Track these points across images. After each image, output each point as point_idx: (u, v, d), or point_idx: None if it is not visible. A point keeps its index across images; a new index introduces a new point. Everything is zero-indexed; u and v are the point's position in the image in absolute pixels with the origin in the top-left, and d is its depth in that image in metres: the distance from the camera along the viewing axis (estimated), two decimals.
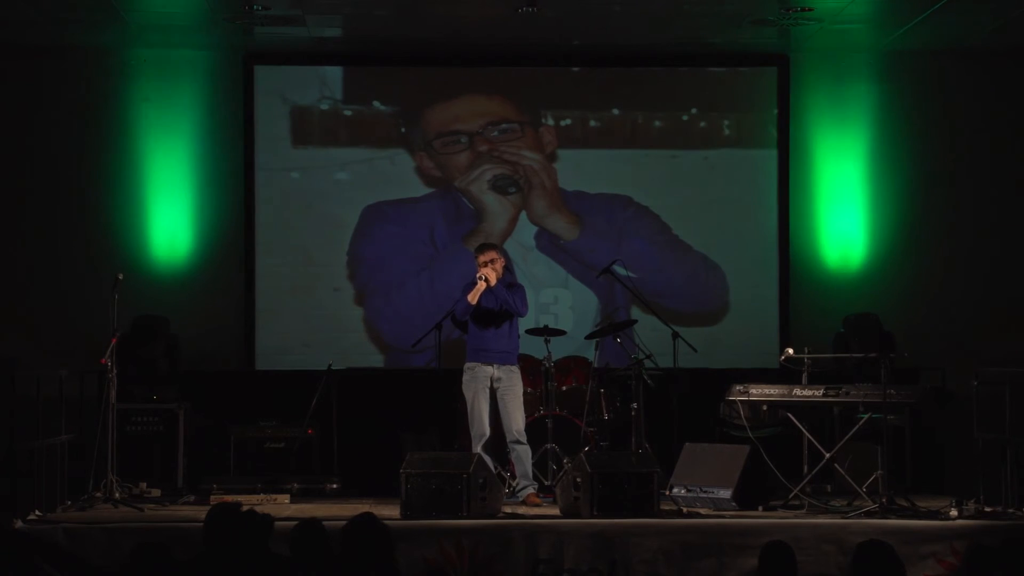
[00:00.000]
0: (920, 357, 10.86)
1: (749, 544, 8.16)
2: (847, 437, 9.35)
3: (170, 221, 12.00)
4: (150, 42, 11.74)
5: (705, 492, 9.36)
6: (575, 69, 12.33)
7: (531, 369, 10.56)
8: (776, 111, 12.23)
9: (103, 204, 11.93)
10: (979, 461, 9.32)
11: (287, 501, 9.79)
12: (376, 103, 12.26)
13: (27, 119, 11.95)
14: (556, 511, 9.07)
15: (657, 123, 12.28)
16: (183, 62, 11.98)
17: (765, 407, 9.78)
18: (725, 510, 9.18)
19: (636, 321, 11.16)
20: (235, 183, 12.08)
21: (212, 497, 9.64)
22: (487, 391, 9.71)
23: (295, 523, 6.46)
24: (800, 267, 12.19)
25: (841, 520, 8.63)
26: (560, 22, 11.18)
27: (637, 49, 12.02)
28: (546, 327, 10.81)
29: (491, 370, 9.73)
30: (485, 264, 9.78)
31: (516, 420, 9.69)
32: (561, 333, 11.02)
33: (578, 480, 8.80)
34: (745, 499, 9.25)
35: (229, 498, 9.21)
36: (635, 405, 10.37)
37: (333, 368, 10.94)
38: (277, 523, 6.55)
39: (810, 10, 10.83)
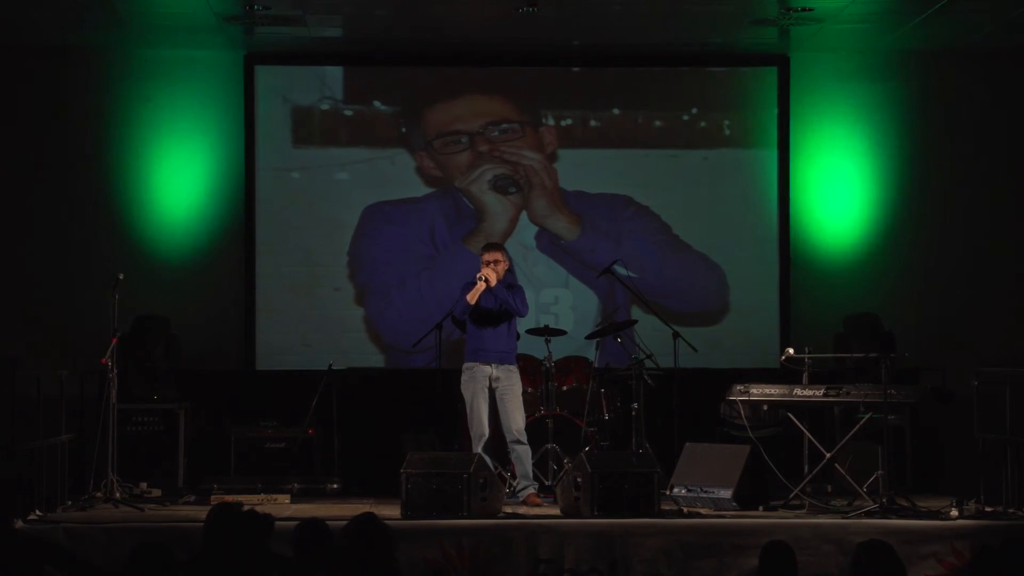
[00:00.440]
0: (920, 357, 10.86)
1: (749, 544, 8.16)
2: (848, 437, 9.35)
3: (170, 221, 12.00)
4: (151, 42, 11.74)
5: (705, 492, 9.36)
6: (575, 69, 12.33)
7: (531, 369, 10.57)
8: (776, 111, 12.23)
9: (103, 204, 11.93)
10: (980, 461, 9.31)
11: (287, 501, 9.80)
12: (377, 103, 12.26)
13: (27, 119, 11.95)
14: (556, 511, 9.08)
15: (657, 123, 12.28)
16: (184, 62, 11.97)
17: (765, 407, 9.77)
18: (725, 510, 9.18)
19: (636, 321, 11.16)
20: (235, 183, 12.08)
21: (212, 497, 9.64)
22: (486, 391, 9.71)
23: (297, 523, 6.46)
24: (800, 267, 12.19)
25: (841, 520, 8.63)
26: (560, 22, 11.18)
27: (637, 49, 12.02)
28: (546, 327, 10.81)
29: (490, 370, 9.73)
30: (488, 264, 9.78)
31: (515, 420, 9.69)
32: (562, 333, 11.02)
33: (578, 480, 8.80)
34: (745, 499, 9.25)
35: (230, 498, 9.21)
36: (635, 405, 10.37)
37: (333, 368, 10.95)
38: (277, 523, 6.55)
39: (810, 10, 10.83)
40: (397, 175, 12.19)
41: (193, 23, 11.28)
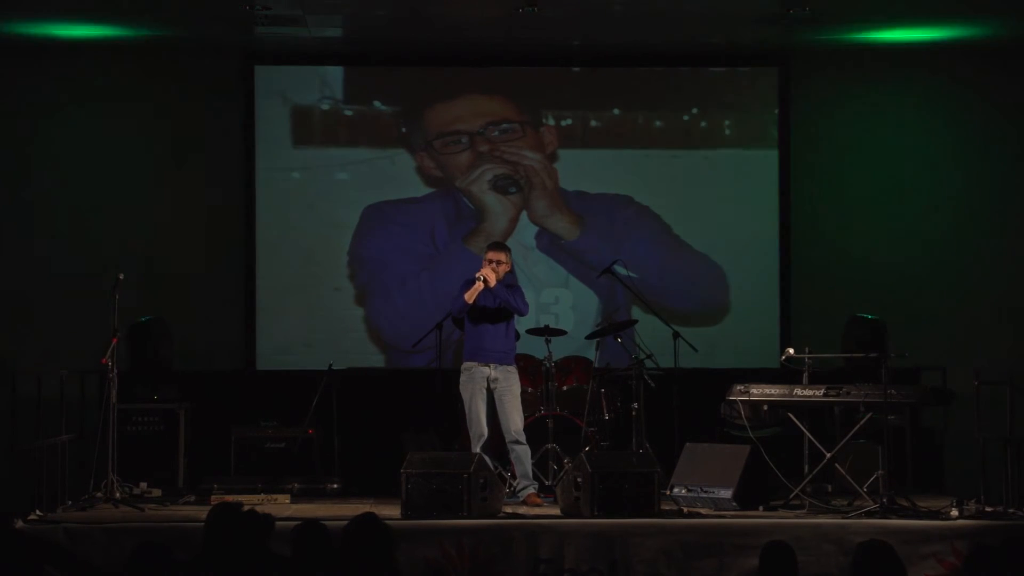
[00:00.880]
0: (920, 357, 10.85)
1: (750, 544, 8.16)
2: (848, 437, 9.35)
3: (171, 221, 12.00)
4: (151, 42, 11.73)
5: (706, 492, 9.35)
6: (575, 69, 12.33)
7: (532, 369, 10.57)
8: (777, 111, 12.23)
9: (103, 204, 11.93)
10: (980, 461, 9.31)
11: (288, 501, 9.79)
12: (377, 103, 12.27)
13: (27, 119, 11.95)
14: (557, 511, 9.07)
15: (658, 123, 12.29)
16: (183, 62, 11.97)
17: (766, 407, 9.77)
18: (726, 510, 9.18)
19: (637, 321, 11.16)
20: (235, 183, 12.09)
21: (213, 497, 9.64)
22: (484, 391, 9.71)
23: (296, 523, 6.45)
24: (801, 267, 12.19)
25: (842, 520, 8.63)
26: (560, 22, 11.18)
27: (637, 49, 12.02)
28: (547, 327, 10.81)
29: (488, 370, 9.72)
30: (491, 262, 9.76)
31: (514, 420, 9.68)
32: (562, 333, 11.02)
33: (579, 480, 8.80)
34: (746, 499, 9.25)
35: (230, 498, 9.20)
36: (636, 405, 10.37)
37: (334, 368, 10.94)
38: (278, 523, 6.55)
39: (811, 10, 10.81)
40: (397, 175, 12.20)
41: (193, 23, 11.28)
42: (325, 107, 12.22)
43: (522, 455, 9.69)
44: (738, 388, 9.56)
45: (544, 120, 12.27)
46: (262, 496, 9.72)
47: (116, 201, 11.94)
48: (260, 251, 12.07)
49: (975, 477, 9.25)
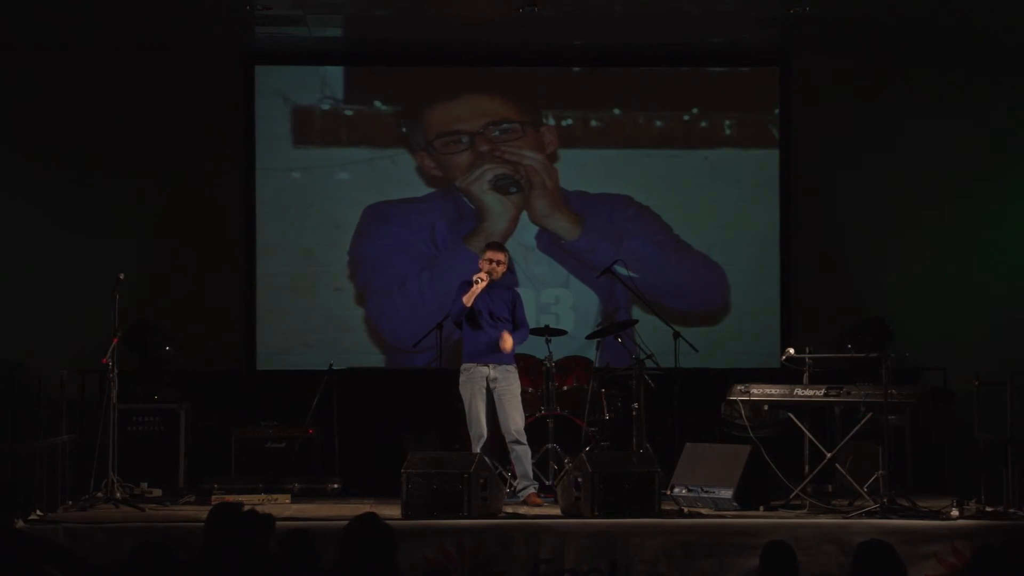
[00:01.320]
0: (920, 357, 10.86)
1: (750, 544, 8.16)
2: (848, 437, 9.34)
3: (170, 221, 12.00)
4: (151, 42, 11.73)
5: (706, 492, 9.35)
6: (576, 69, 12.34)
7: (532, 369, 10.57)
8: (778, 111, 12.24)
9: (103, 203, 11.92)
10: (980, 461, 9.31)
11: (288, 501, 9.79)
12: (377, 103, 12.27)
13: (26, 118, 11.94)
14: (557, 511, 9.07)
15: (658, 123, 12.29)
16: (184, 62, 11.97)
17: (766, 407, 9.75)
18: (726, 510, 9.18)
19: (637, 321, 11.16)
20: (235, 183, 12.09)
21: (213, 497, 9.63)
22: (484, 392, 9.70)
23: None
24: (801, 267, 12.19)
25: (842, 520, 8.63)
26: (560, 22, 11.18)
27: (638, 49, 12.03)
28: (547, 327, 10.80)
29: (487, 371, 9.71)
30: (491, 262, 9.76)
31: (514, 420, 9.68)
32: (562, 333, 11.02)
33: (579, 480, 8.80)
34: (746, 499, 9.25)
35: (230, 498, 9.20)
36: (636, 405, 10.37)
37: (334, 368, 10.94)
38: (278, 523, 6.55)
39: (811, 10, 10.81)
40: (398, 175, 12.20)
41: (193, 22, 11.28)
42: (325, 107, 12.22)
43: (522, 455, 9.69)
44: (738, 388, 9.56)
45: (544, 120, 12.28)
46: (262, 496, 9.72)
47: (116, 201, 11.93)
48: (260, 251, 12.07)
49: (975, 477, 9.25)
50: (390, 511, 8.65)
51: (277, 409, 11.10)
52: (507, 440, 9.71)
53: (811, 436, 9.46)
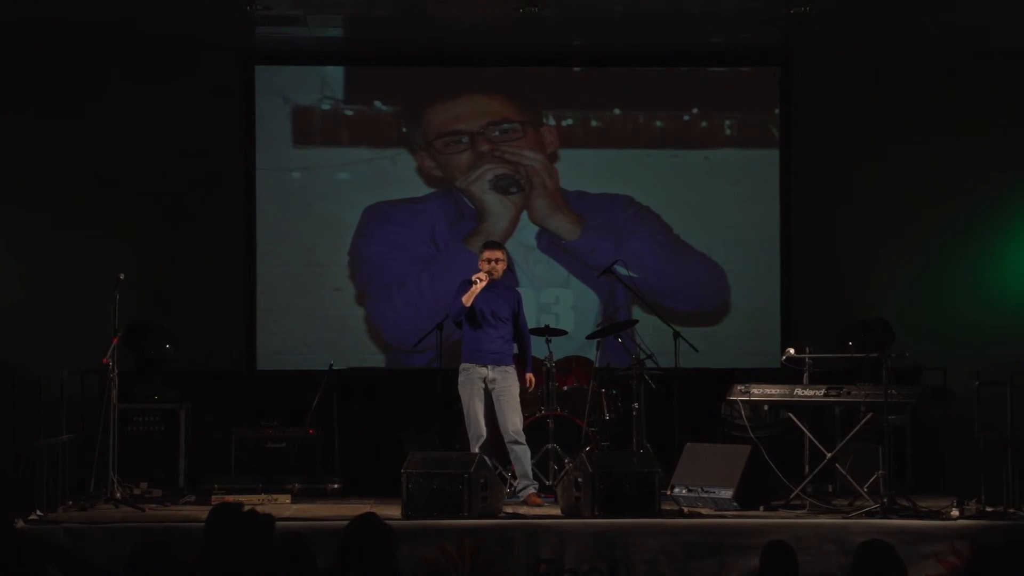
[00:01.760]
0: (921, 357, 10.85)
1: (750, 544, 8.17)
2: (848, 437, 9.35)
3: (170, 221, 11.99)
4: (151, 42, 11.73)
5: (706, 492, 9.36)
6: (576, 69, 12.33)
7: (532, 369, 10.55)
8: (778, 111, 12.24)
9: (103, 203, 11.92)
10: (980, 461, 9.31)
11: (288, 501, 9.80)
12: (377, 103, 12.26)
13: (26, 118, 11.94)
14: (557, 511, 9.08)
15: (658, 123, 12.29)
16: (184, 62, 11.97)
17: (766, 407, 9.77)
18: (726, 510, 9.18)
19: (637, 321, 11.16)
20: (235, 183, 12.09)
21: (213, 497, 9.64)
22: (482, 392, 9.71)
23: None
24: (801, 267, 12.19)
25: (842, 520, 8.63)
26: (560, 22, 11.18)
27: (637, 49, 12.02)
28: (547, 327, 10.80)
29: (485, 371, 9.72)
30: (490, 262, 9.77)
31: (513, 420, 9.68)
32: (562, 333, 11.02)
33: (579, 480, 8.80)
34: (746, 499, 9.26)
35: (230, 498, 9.21)
36: (636, 405, 10.37)
37: (334, 368, 10.95)
38: (278, 523, 6.54)
39: (811, 10, 10.81)
40: (398, 175, 12.20)
41: (193, 22, 11.28)
42: (326, 107, 12.22)
43: (521, 455, 9.69)
44: (738, 388, 9.56)
45: (545, 120, 12.27)
46: (263, 496, 9.73)
47: (116, 201, 11.92)
48: (260, 251, 12.07)
49: (975, 477, 9.25)
50: (390, 511, 8.66)
51: (277, 409, 11.10)
52: (506, 440, 9.72)
53: (811, 436, 9.47)
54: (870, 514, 8.74)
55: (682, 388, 10.58)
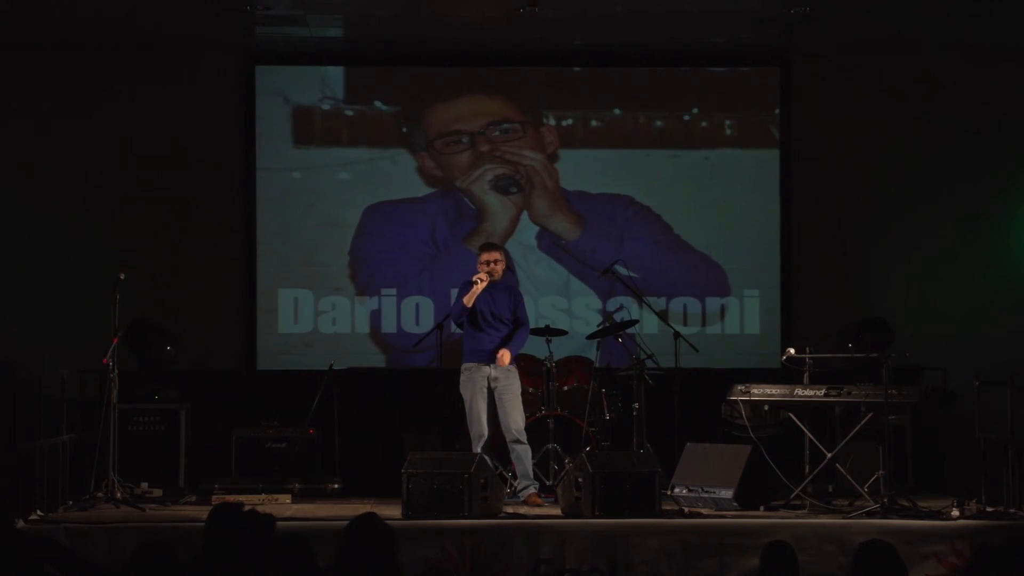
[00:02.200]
0: (921, 357, 10.85)
1: (751, 544, 8.16)
2: (848, 437, 9.35)
3: (171, 221, 11.99)
4: (151, 42, 11.73)
5: (707, 492, 9.35)
6: (576, 69, 12.33)
7: (532, 369, 10.57)
8: (778, 111, 12.24)
9: (103, 203, 11.92)
10: (981, 461, 9.31)
11: (289, 501, 9.80)
12: (377, 103, 12.27)
13: (26, 118, 11.94)
14: (557, 511, 9.07)
15: (658, 123, 12.29)
16: (184, 62, 11.97)
17: (766, 407, 9.76)
18: (726, 510, 9.18)
19: (637, 321, 11.16)
20: (235, 183, 12.09)
21: (214, 497, 9.64)
22: (484, 391, 9.71)
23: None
24: (801, 267, 12.19)
25: (843, 520, 8.63)
26: (560, 22, 11.18)
27: (638, 49, 12.02)
28: (547, 327, 10.80)
29: (488, 370, 9.72)
30: (489, 263, 9.78)
31: (515, 420, 9.69)
32: (562, 333, 11.02)
33: (579, 480, 8.80)
34: (747, 499, 9.25)
35: (231, 498, 9.21)
36: (636, 405, 10.37)
37: (334, 368, 10.95)
38: (278, 523, 6.54)
39: (811, 10, 10.81)
40: (398, 175, 12.20)
41: (193, 22, 11.28)
42: (326, 107, 12.22)
43: (523, 455, 9.69)
44: (739, 388, 9.56)
45: (545, 120, 12.28)
46: (263, 496, 9.72)
47: (116, 200, 11.92)
48: (260, 251, 12.07)
49: (975, 477, 9.25)
50: (390, 511, 8.66)
51: (277, 409, 11.10)
52: (507, 440, 9.72)
53: (811, 436, 9.47)
54: (870, 514, 8.74)
55: (682, 388, 10.57)
